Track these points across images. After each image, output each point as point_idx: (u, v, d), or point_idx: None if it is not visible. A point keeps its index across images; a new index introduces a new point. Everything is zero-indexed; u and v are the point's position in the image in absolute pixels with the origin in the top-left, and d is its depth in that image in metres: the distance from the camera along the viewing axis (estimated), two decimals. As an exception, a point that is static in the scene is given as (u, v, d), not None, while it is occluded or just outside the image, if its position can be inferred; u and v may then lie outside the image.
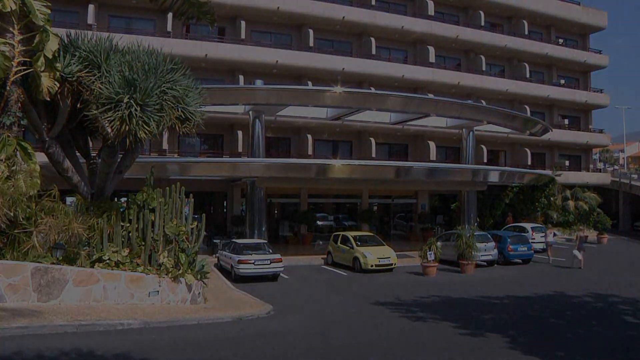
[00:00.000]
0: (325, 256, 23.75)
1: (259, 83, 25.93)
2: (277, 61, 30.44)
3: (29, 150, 12.06)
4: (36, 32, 11.88)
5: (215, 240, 24.96)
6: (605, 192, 41.10)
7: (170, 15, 26.90)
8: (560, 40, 43.19)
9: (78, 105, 13.06)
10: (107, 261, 12.37)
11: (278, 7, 30.84)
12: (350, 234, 22.87)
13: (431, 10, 35.87)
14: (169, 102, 12.82)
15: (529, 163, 38.64)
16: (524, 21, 40.03)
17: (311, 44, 32.36)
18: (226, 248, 20.56)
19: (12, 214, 10.90)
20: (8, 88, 11.69)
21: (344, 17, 32.48)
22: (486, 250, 22.47)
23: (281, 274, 19.37)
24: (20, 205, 11.06)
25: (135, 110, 12.15)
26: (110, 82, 12.35)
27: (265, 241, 21.51)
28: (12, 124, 11.85)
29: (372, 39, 33.91)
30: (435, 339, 10.70)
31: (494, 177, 29.42)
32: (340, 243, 22.52)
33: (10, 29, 11.69)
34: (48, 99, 12.33)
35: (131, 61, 12.77)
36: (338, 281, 19.20)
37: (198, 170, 24.64)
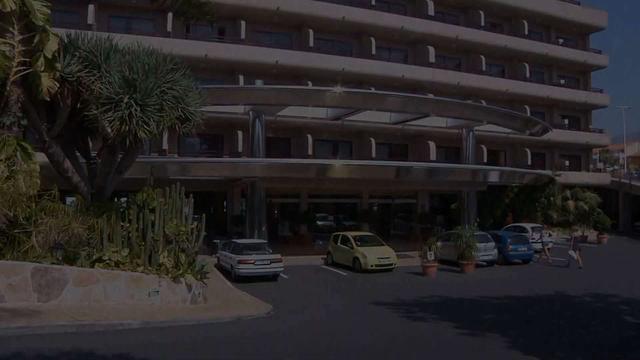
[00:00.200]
0: (325, 256, 23.73)
1: (259, 83, 25.95)
2: (277, 61, 30.46)
3: (29, 150, 12.06)
4: (36, 32, 11.88)
5: (215, 241, 24.93)
6: (605, 192, 41.01)
7: (170, 15, 26.87)
8: (560, 40, 43.15)
9: (78, 105, 13.09)
10: (107, 261, 12.38)
11: (278, 7, 30.84)
12: (350, 234, 22.87)
13: (431, 11, 35.83)
14: (169, 102, 12.83)
15: (529, 163, 38.59)
16: (524, 21, 39.99)
17: (311, 44, 32.36)
18: (226, 248, 20.55)
19: (12, 214, 10.90)
20: (8, 88, 11.70)
21: (343, 17, 32.47)
22: (486, 250, 22.45)
23: (281, 274, 19.36)
24: (20, 205, 11.05)
25: (135, 110, 12.16)
26: (110, 82, 12.36)
27: (265, 241, 21.47)
28: (12, 124, 11.87)
29: (372, 39, 33.91)
30: (435, 339, 10.70)
31: (494, 177, 29.42)
32: (340, 243, 22.51)
33: (10, 29, 11.70)
34: (48, 99, 12.33)
35: (131, 61, 12.79)
36: (338, 281, 19.21)
37: (198, 170, 24.64)
